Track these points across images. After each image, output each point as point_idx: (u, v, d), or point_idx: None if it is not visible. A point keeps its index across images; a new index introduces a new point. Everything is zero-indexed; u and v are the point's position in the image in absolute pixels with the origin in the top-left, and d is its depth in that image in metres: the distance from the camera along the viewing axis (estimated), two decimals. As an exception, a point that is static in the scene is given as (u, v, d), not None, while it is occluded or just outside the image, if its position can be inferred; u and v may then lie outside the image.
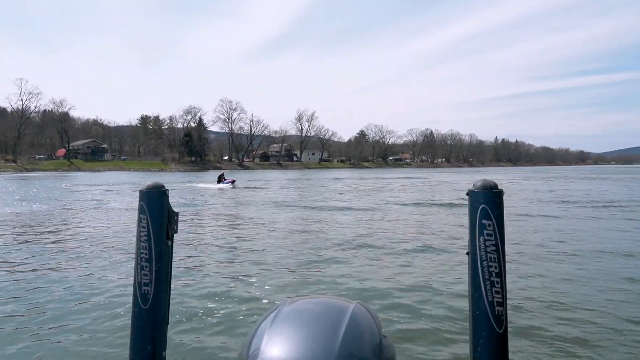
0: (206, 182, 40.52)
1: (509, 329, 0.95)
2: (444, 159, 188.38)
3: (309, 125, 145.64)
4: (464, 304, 5.76)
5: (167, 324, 1.06)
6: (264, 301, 6.09)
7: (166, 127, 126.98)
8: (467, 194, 1.00)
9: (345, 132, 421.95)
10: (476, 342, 0.95)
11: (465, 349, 4.34)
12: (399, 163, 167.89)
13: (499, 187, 0.98)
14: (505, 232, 0.95)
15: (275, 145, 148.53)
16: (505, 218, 0.96)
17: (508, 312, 0.95)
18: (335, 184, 40.58)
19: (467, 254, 0.99)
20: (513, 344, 4.72)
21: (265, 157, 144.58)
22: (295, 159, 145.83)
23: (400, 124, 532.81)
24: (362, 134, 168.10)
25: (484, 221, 0.95)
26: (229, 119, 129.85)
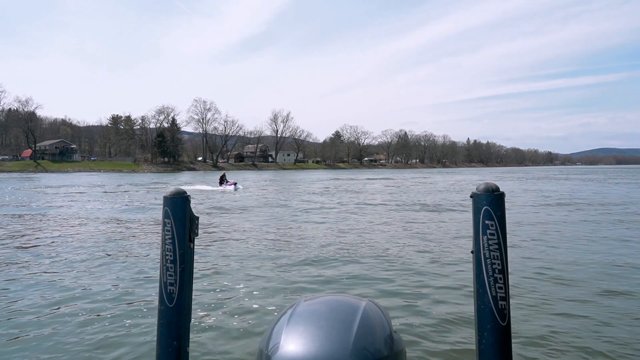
0: (206, 184, 36.93)
1: (512, 322, 0.98)
2: (418, 160, 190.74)
3: (284, 126, 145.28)
4: (468, 300, 5.99)
5: (190, 321, 1.11)
6: (280, 299, 6.28)
7: (138, 127, 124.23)
8: (471, 197, 1.04)
9: (320, 133, 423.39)
10: (481, 335, 1.00)
11: (471, 341, 4.57)
12: (373, 164, 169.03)
13: (501, 190, 1.02)
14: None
15: (250, 146, 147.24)
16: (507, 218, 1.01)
17: (511, 306, 0.98)
18: (317, 185, 40.27)
19: (472, 252, 1.02)
20: (516, 335, 4.81)
21: (240, 158, 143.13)
22: (270, 159, 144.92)
23: (375, 125, 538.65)
24: (337, 135, 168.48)
25: (486, 221, 0.99)
26: (203, 120, 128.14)
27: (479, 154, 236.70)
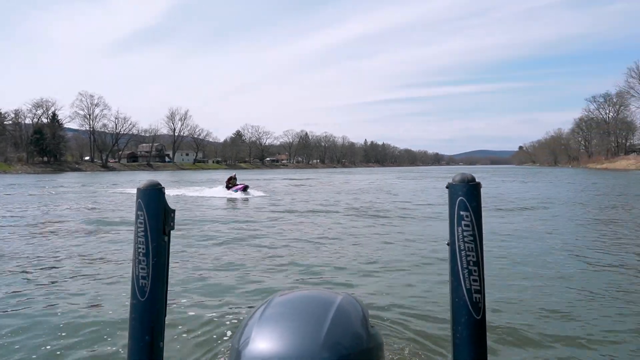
0: (208, 189, 28.49)
1: (487, 315, 0.95)
2: (318, 160, 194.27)
3: (182, 125, 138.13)
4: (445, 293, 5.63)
5: (165, 315, 1.09)
6: (259, 294, 6.16)
7: (10, 122, 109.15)
8: (447, 187, 1.02)
9: (221, 133, 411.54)
10: (456, 328, 0.99)
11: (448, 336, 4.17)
12: (275, 164, 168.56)
13: (476, 180, 1.00)
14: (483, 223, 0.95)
15: (144, 145, 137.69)
16: (483, 210, 0.99)
17: (486, 299, 0.94)
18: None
19: (448, 244, 1.00)
20: (492, 329, 4.63)
21: (133, 158, 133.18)
22: (167, 159, 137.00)
23: (278, 126, 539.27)
24: (238, 134, 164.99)
25: (461, 212, 0.97)
26: (90, 115, 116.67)
27: (376, 155, 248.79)
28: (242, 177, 65.33)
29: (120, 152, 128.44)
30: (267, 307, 1.01)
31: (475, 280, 0.96)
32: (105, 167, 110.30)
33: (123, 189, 31.95)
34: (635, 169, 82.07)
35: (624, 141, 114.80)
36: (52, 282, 6.82)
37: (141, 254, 1.04)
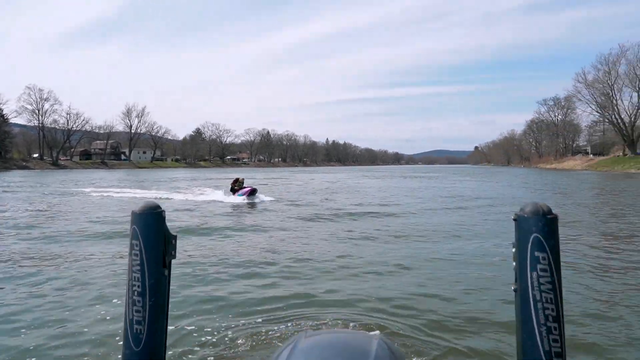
0: (209, 192, 25.60)
1: None
2: (280, 159, 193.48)
3: (139, 122, 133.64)
4: (507, 339, 4.53)
5: None
6: (278, 329, 4.92)
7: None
8: (515, 219, 0.84)
9: (180, 130, 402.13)
10: None
11: None
12: (236, 163, 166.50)
13: (553, 212, 0.83)
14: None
15: (98, 142, 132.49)
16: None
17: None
18: (183, 183, 37.26)
19: (515, 290, 0.84)
20: None
21: (86, 156, 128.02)
22: (123, 157, 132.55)
23: (239, 124, 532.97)
24: (198, 132, 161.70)
25: (537, 253, 0.80)
26: (39, 111, 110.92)
27: (337, 154, 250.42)
28: (203, 175, 63.41)
29: (73, 150, 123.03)
30: (293, 350, 0.89)
31: (555, 341, 0.78)
32: (56, 165, 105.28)
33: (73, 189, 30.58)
34: (581, 169, 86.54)
35: (571, 142, 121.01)
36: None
37: (136, 293, 0.90)
